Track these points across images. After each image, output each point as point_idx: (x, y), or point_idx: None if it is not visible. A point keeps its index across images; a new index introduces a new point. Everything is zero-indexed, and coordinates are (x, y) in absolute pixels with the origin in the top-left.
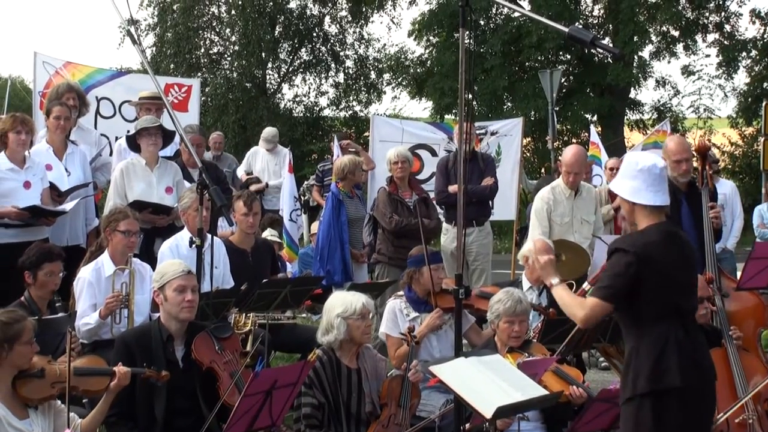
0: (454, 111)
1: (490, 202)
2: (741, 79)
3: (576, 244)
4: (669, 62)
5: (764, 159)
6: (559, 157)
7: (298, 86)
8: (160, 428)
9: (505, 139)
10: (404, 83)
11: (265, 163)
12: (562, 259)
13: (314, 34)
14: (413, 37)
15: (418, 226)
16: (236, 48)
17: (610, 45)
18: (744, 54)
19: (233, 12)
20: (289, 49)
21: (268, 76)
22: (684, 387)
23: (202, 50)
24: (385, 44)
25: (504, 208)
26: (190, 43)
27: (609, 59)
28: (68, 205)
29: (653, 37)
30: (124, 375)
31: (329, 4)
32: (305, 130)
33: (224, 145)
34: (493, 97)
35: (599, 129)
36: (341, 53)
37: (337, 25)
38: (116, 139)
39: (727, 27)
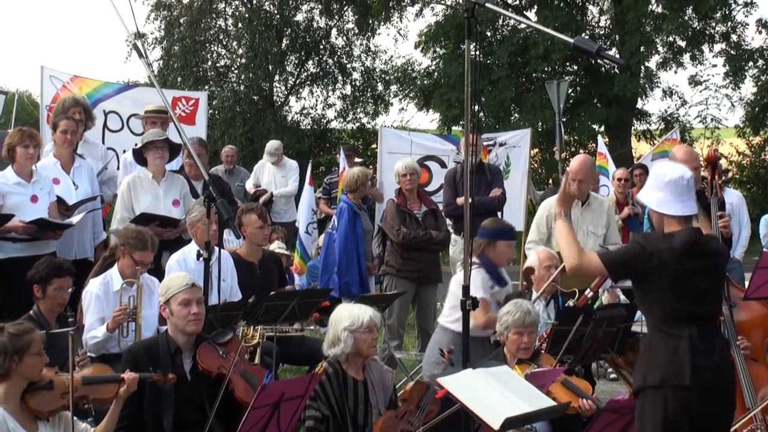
0: (461, 122)
1: (499, 213)
2: (748, 88)
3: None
4: (676, 72)
5: None
6: (567, 168)
7: (305, 99)
8: None
9: (514, 150)
10: (411, 95)
11: (272, 175)
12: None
13: (321, 47)
14: (420, 48)
15: (426, 239)
16: (243, 61)
17: (617, 56)
18: (751, 64)
19: (240, 25)
20: (296, 61)
21: (275, 89)
22: (693, 386)
23: (209, 63)
24: (392, 56)
25: (512, 219)
26: (197, 56)
27: (616, 70)
28: (75, 218)
29: (660, 48)
30: (133, 381)
31: (336, 17)
32: (312, 143)
33: (237, 158)
34: (500, 108)
35: (606, 139)
36: (348, 65)
37: (344, 38)
38: (124, 152)
39: (734, 37)
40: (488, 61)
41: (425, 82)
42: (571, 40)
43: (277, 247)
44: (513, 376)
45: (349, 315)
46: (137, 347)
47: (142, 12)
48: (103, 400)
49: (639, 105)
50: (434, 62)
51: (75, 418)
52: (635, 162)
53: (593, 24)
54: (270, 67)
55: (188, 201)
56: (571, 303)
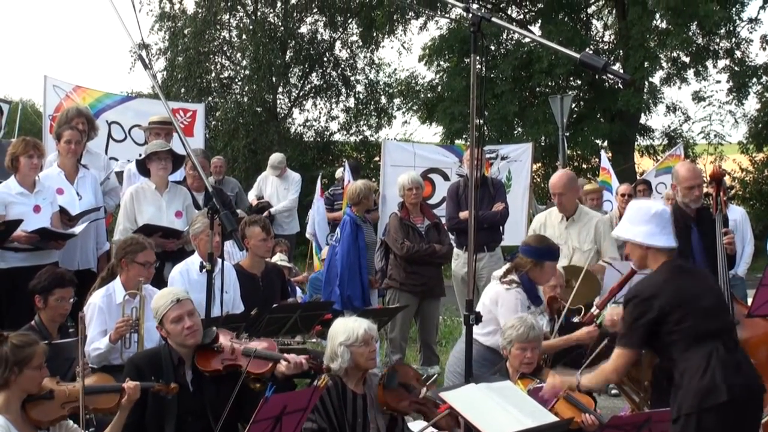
0: (464, 136)
1: (501, 228)
2: (751, 105)
3: (587, 270)
4: (680, 88)
5: None
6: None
7: (308, 111)
8: None
9: (516, 164)
10: (415, 108)
11: (275, 188)
12: (572, 285)
13: (325, 59)
14: (424, 62)
15: (429, 252)
16: (247, 72)
17: (621, 71)
18: (754, 80)
19: (244, 36)
20: (300, 73)
21: (278, 101)
22: (729, 401)
23: (213, 74)
24: (395, 69)
25: (514, 233)
26: (200, 68)
27: (620, 85)
28: (78, 228)
29: (664, 63)
30: (134, 389)
31: (340, 29)
32: (316, 155)
33: (225, 168)
34: (504, 122)
35: (610, 155)
36: (352, 78)
37: (348, 50)
38: (127, 162)
39: (738, 53)
40: (492, 75)
41: (429, 95)
42: (577, 56)
43: (279, 259)
44: (515, 391)
45: (344, 330)
46: (140, 357)
47: (147, 23)
48: (104, 410)
49: (642, 120)
50: (438, 76)
51: (76, 426)
52: (638, 177)
53: (597, 39)
54: (273, 78)
55: (191, 212)
56: (576, 319)
